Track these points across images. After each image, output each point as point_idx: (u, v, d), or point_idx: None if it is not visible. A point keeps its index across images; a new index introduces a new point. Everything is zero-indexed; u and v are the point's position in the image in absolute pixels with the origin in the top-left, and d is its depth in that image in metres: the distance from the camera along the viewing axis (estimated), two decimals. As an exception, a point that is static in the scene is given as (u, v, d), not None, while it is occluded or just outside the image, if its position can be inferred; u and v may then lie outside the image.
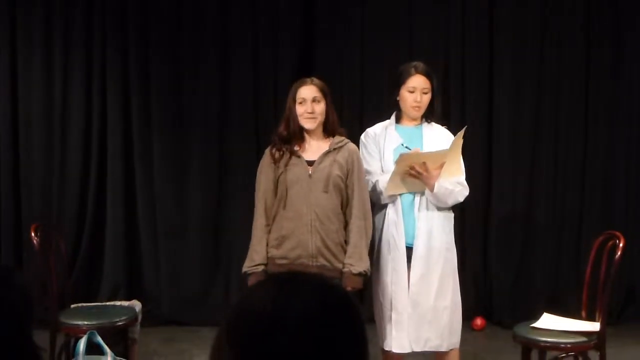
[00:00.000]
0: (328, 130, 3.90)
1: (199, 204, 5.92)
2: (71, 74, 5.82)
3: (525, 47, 5.85)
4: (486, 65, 5.89)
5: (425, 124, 4.07)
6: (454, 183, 3.94)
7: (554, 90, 5.87)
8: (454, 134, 3.96)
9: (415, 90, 3.98)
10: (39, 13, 5.76)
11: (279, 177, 3.82)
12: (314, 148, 3.87)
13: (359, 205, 3.82)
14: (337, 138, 3.88)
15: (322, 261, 3.76)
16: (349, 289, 3.68)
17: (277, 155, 3.84)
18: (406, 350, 3.94)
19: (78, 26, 5.80)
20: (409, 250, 3.92)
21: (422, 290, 3.91)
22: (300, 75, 4.35)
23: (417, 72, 3.99)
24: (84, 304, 4.75)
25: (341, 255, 3.81)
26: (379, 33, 5.88)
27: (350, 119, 5.44)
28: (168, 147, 5.90)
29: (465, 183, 4.02)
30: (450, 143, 3.92)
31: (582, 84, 5.87)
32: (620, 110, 5.88)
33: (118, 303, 4.96)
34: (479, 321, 5.75)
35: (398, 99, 4.04)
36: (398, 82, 4.02)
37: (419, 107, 4.00)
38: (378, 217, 3.98)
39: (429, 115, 4.07)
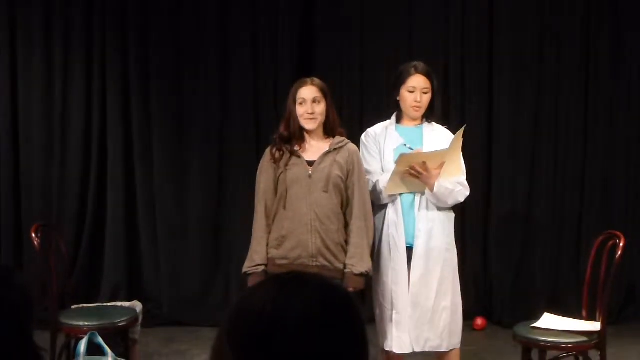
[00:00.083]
0: (328, 130, 3.89)
1: (199, 204, 5.92)
2: (71, 74, 5.83)
3: (525, 46, 5.85)
4: (486, 65, 5.89)
5: (425, 124, 4.07)
6: (454, 183, 3.94)
7: (553, 90, 5.87)
8: (455, 133, 3.95)
9: (416, 90, 3.98)
10: (39, 13, 5.76)
11: (279, 177, 3.82)
12: (314, 148, 3.87)
13: (359, 205, 3.82)
14: (338, 138, 3.88)
15: (322, 261, 3.76)
16: (350, 289, 3.68)
17: (277, 155, 3.84)
18: (407, 350, 3.94)
19: (78, 26, 5.80)
20: (409, 250, 3.92)
21: (422, 291, 3.91)
22: (301, 75, 4.35)
23: (417, 72, 3.99)
24: (85, 305, 4.75)
25: (341, 255, 3.81)
26: (379, 33, 5.88)
27: (350, 119, 5.44)
28: (168, 147, 5.90)
29: (465, 183, 4.02)
30: (450, 142, 3.92)
31: (582, 83, 5.87)
32: (620, 110, 5.88)
33: (119, 304, 4.96)
34: (479, 321, 5.75)
35: (398, 99, 4.04)
36: (398, 82, 4.02)
37: (419, 107, 3.99)
38: (378, 217, 3.98)
39: (430, 115, 4.06)
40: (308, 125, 3.83)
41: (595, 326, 3.98)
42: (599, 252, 4.19)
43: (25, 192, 5.82)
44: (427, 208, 3.94)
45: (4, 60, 5.76)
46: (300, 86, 3.85)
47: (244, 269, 3.85)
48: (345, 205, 3.85)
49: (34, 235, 4.29)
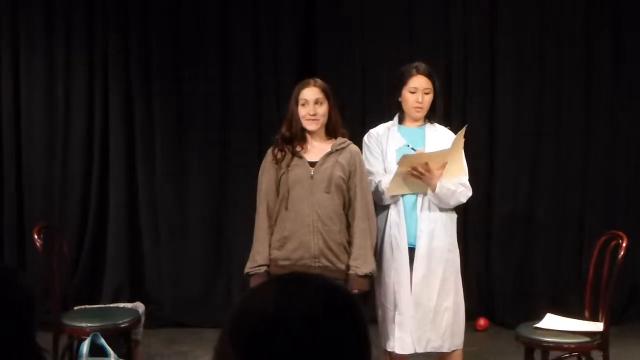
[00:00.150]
0: (330, 131, 3.89)
1: (200, 204, 5.92)
2: (73, 75, 5.83)
3: (527, 46, 5.85)
4: (487, 65, 5.89)
5: (428, 125, 4.07)
6: (456, 184, 3.93)
7: (555, 90, 5.87)
8: (456, 134, 3.95)
9: (417, 90, 3.98)
10: (41, 14, 5.77)
11: (280, 178, 3.82)
12: (316, 149, 3.87)
13: (361, 206, 3.82)
14: (340, 139, 3.88)
15: (324, 262, 3.75)
16: (355, 291, 3.68)
17: (279, 155, 3.84)
18: (409, 351, 3.94)
19: (79, 27, 5.81)
20: (411, 251, 3.92)
21: (424, 291, 3.90)
22: (302, 76, 4.35)
23: (419, 72, 3.99)
24: (87, 306, 4.75)
25: (343, 256, 3.80)
26: (380, 33, 5.87)
27: (352, 119, 5.44)
28: (170, 148, 5.90)
29: (468, 184, 4.01)
30: (451, 143, 3.92)
31: (584, 83, 5.87)
32: (621, 109, 5.88)
33: (121, 305, 4.96)
34: (481, 322, 5.75)
35: (400, 100, 4.04)
36: (399, 83, 4.02)
37: (420, 107, 3.99)
38: (380, 218, 3.98)
39: (432, 115, 4.06)
40: (310, 126, 3.83)
41: (597, 326, 3.98)
42: (601, 252, 4.19)
43: (27, 192, 5.82)
44: (429, 209, 3.94)
45: (6, 61, 5.76)
46: (303, 87, 3.85)
47: (246, 270, 3.85)
48: (348, 206, 3.85)
49: (36, 236, 4.29)
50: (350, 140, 3.93)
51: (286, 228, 3.78)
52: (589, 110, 5.88)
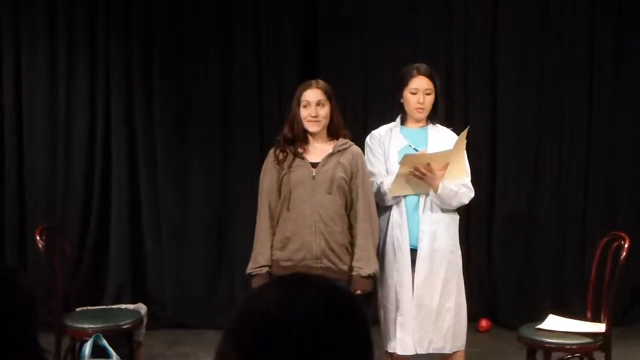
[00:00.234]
0: (332, 132, 3.89)
1: (202, 205, 5.92)
2: (75, 76, 5.83)
3: (529, 46, 5.84)
4: (489, 65, 5.89)
5: (430, 126, 4.07)
6: (458, 185, 3.93)
7: (557, 90, 5.86)
8: (459, 135, 3.95)
9: (418, 91, 3.98)
10: (43, 15, 5.77)
11: (282, 179, 3.82)
12: (318, 150, 3.87)
13: (364, 207, 3.82)
14: (341, 140, 3.88)
15: (326, 263, 3.75)
16: (358, 292, 3.69)
17: (280, 156, 3.85)
18: (410, 352, 3.94)
19: (81, 28, 5.81)
20: (413, 252, 3.92)
21: (426, 292, 3.90)
22: (304, 76, 4.35)
23: (419, 73, 3.99)
24: (90, 307, 4.75)
25: (345, 257, 3.80)
26: (382, 33, 5.87)
27: (354, 120, 5.44)
28: (172, 148, 5.91)
29: (470, 185, 4.01)
30: (453, 144, 3.92)
31: (586, 83, 5.86)
32: (623, 109, 5.88)
33: (123, 306, 4.96)
34: (484, 323, 5.74)
35: (402, 101, 4.04)
36: (401, 84, 4.02)
37: (422, 108, 3.99)
38: (382, 219, 3.98)
39: (433, 116, 4.06)
40: (311, 128, 3.83)
41: (600, 327, 3.97)
42: (603, 253, 4.18)
43: (29, 193, 5.83)
44: (431, 210, 3.94)
45: (7, 62, 5.77)
46: (305, 88, 3.85)
47: (248, 270, 3.84)
48: (350, 207, 3.85)
49: (38, 238, 4.29)
50: (352, 141, 3.93)
51: (288, 229, 3.78)
52: (590, 111, 5.88)
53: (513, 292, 5.88)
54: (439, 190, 3.86)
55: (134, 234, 5.94)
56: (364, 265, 3.77)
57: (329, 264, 3.76)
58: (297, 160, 3.82)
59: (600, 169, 5.89)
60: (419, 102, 3.97)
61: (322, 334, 1.15)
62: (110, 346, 4.10)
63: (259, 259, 3.81)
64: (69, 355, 4.32)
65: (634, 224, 5.75)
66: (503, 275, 5.92)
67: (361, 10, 5.90)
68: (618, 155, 5.88)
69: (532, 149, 5.88)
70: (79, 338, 4.26)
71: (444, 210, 3.95)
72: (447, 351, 3.97)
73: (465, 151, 3.98)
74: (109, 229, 5.90)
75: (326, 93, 3.84)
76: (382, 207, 3.99)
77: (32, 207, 5.82)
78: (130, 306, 4.89)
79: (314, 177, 3.79)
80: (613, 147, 5.88)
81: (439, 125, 4.08)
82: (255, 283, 3.74)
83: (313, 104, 3.81)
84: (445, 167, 3.87)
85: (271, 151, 3.92)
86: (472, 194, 4.02)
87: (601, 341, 3.93)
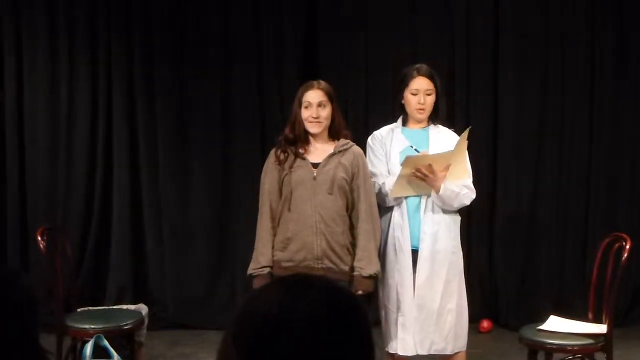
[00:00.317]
0: (333, 133, 3.89)
1: (204, 205, 5.93)
2: (76, 76, 5.84)
3: (530, 47, 5.84)
4: (490, 65, 5.88)
5: (431, 127, 4.07)
6: (460, 186, 3.93)
7: (558, 90, 5.86)
8: (460, 135, 3.95)
9: (419, 92, 3.98)
10: (43, 14, 5.78)
11: (283, 179, 3.82)
12: (319, 151, 3.87)
13: (365, 208, 3.82)
14: (342, 141, 3.88)
15: (327, 263, 3.75)
16: (359, 292, 3.69)
17: (282, 156, 3.85)
18: (411, 353, 3.93)
19: (82, 27, 5.81)
20: (415, 253, 3.91)
21: (427, 293, 3.90)
22: (305, 77, 4.35)
23: (420, 74, 3.99)
24: (91, 308, 4.76)
25: (347, 257, 3.80)
26: (383, 34, 5.87)
27: (355, 121, 5.44)
28: (173, 149, 5.91)
29: (472, 186, 4.01)
30: (455, 144, 3.92)
31: (587, 83, 5.86)
32: (625, 110, 5.87)
33: (124, 307, 4.97)
34: (485, 323, 5.74)
35: (403, 102, 4.04)
36: (401, 85, 4.02)
37: (423, 109, 3.99)
38: (384, 219, 3.98)
39: (435, 117, 4.06)
40: (313, 129, 3.83)
41: (601, 328, 3.97)
42: (605, 254, 4.18)
43: (30, 193, 5.83)
44: (433, 211, 3.93)
45: (9, 62, 5.77)
46: (307, 89, 3.85)
47: (249, 271, 3.85)
48: (351, 208, 3.85)
49: (39, 238, 4.29)
50: (353, 141, 3.93)
51: (289, 229, 3.78)
52: (592, 111, 5.87)
53: (514, 292, 5.88)
54: (441, 192, 3.86)
55: (135, 234, 5.94)
56: (366, 265, 3.77)
57: (330, 265, 3.75)
58: (298, 160, 3.83)
59: (602, 169, 5.88)
60: (419, 103, 3.97)
61: (324, 335, 1.14)
62: (112, 347, 4.11)
63: (260, 260, 3.81)
64: (70, 355, 4.32)
65: (635, 224, 5.74)
66: (504, 276, 5.91)
67: (361, 10, 5.90)
68: (619, 155, 5.88)
69: (533, 149, 5.88)
70: (80, 338, 4.26)
71: (445, 211, 3.95)
72: (448, 352, 3.97)
73: (466, 152, 3.98)
74: (110, 229, 5.91)
75: (328, 94, 3.84)
76: (384, 208, 3.99)
77: (33, 207, 5.82)
78: (132, 307, 4.89)
79: (315, 178, 3.79)
80: (614, 147, 5.87)
81: (440, 126, 4.08)
82: (257, 284, 3.74)
83: (314, 105, 3.81)
84: (447, 168, 3.87)
85: (272, 152, 3.92)
86: (473, 195, 4.02)
87: (602, 342, 3.93)
